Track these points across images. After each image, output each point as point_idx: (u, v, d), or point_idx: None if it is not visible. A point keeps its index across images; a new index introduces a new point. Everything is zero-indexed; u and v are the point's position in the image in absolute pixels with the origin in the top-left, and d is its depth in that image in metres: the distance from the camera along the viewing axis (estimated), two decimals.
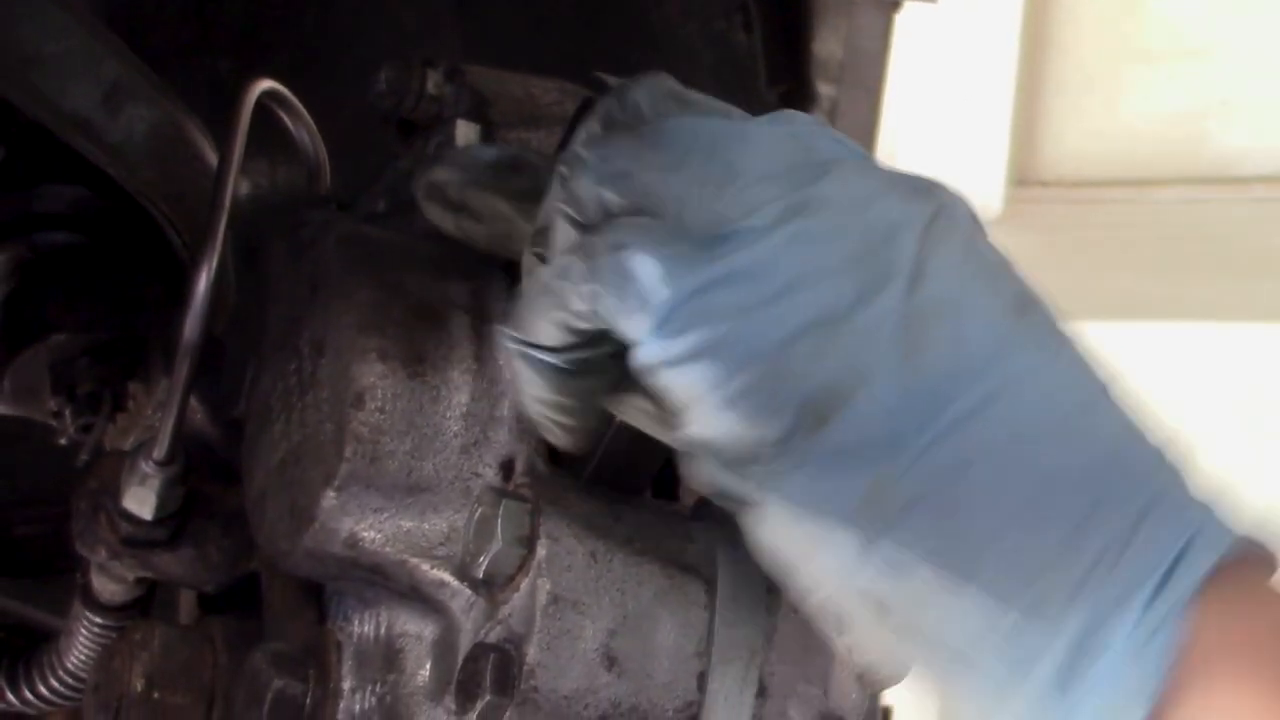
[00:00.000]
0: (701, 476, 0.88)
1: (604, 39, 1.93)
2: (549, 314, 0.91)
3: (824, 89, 1.94)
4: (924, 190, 0.88)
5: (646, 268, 0.86)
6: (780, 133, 0.91)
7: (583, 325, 0.90)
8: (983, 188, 4.37)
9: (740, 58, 1.97)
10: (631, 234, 0.87)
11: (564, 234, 0.92)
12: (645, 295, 0.85)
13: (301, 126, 1.24)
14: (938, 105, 4.32)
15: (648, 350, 0.86)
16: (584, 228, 0.91)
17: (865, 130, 1.98)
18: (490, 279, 1.04)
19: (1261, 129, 4.51)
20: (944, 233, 0.87)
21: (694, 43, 1.96)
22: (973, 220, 0.89)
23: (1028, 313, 0.87)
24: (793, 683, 0.97)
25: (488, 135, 1.12)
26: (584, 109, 0.98)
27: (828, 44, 1.93)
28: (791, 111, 0.95)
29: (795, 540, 0.85)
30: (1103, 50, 4.63)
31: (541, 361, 0.93)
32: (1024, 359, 0.85)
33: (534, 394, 0.95)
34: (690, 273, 0.85)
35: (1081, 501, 0.81)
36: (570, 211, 0.92)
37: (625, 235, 0.87)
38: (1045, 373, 0.85)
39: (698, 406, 0.85)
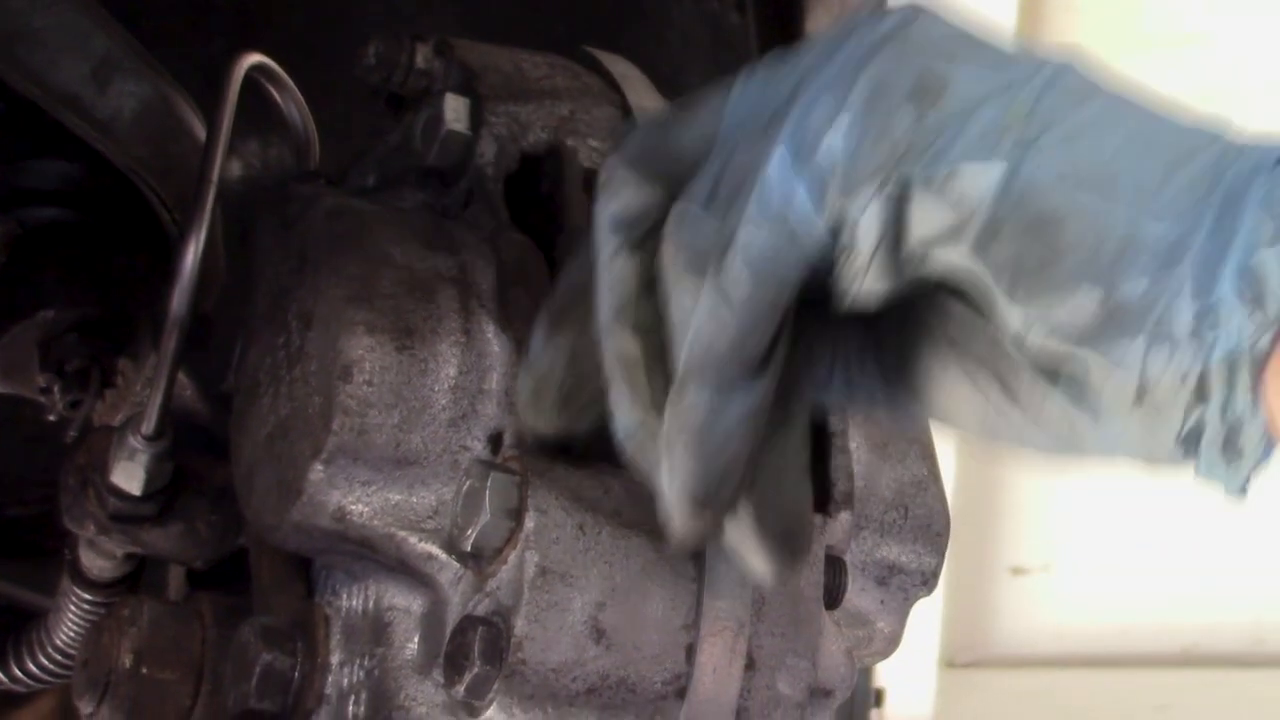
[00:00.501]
0: None
1: (597, 19, 1.92)
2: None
3: None
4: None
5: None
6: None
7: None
8: None
9: (733, 38, 1.97)
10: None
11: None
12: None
13: (290, 101, 1.23)
14: None
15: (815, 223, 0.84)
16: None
17: None
18: (478, 252, 1.04)
19: (1261, 116, 4.52)
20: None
21: (687, 23, 1.96)
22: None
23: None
24: (781, 655, 0.97)
25: (476, 109, 1.11)
26: None
27: (821, 24, 1.92)
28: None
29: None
30: (1101, 37, 4.62)
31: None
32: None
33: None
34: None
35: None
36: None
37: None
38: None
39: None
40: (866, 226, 0.82)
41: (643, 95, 1.17)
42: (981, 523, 4.23)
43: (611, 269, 0.88)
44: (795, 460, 0.91)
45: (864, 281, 0.84)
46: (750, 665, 0.96)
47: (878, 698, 2.66)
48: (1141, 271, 0.79)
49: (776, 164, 0.82)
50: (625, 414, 0.89)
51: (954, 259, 0.82)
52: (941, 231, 0.81)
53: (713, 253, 0.84)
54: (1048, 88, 0.83)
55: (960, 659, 5.01)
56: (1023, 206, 0.80)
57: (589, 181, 1.13)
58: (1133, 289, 0.79)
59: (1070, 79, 0.85)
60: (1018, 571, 4.54)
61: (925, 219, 0.81)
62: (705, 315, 0.84)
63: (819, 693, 1.01)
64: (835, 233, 0.82)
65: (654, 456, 0.88)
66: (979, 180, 0.80)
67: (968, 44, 0.86)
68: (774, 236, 0.82)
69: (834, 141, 0.81)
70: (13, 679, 1.38)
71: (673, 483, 0.87)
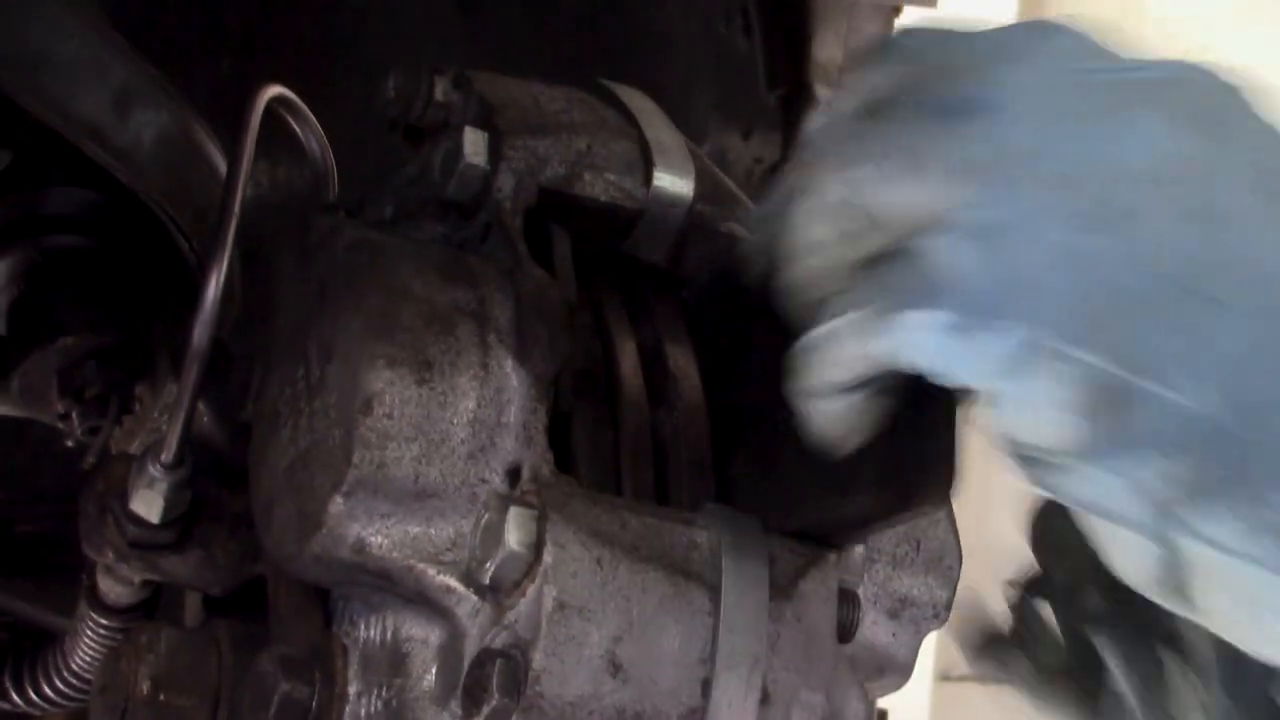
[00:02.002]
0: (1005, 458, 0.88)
1: (605, 41, 1.93)
2: (847, 361, 0.89)
3: (824, 92, 1.94)
4: (1192, 111, 0.86)
5: (933, 315, 0.83)
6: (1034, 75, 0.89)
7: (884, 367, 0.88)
8: None
9: (740, 61, 1.97)
10: (913, 286, 0.85)
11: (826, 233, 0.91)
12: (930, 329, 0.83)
13: (310, 132, 1.24)
14: None
15: (945, 354, 0.84)
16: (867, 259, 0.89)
17: None
18: (496, 285, 1.05)
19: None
20: (1222, 157, 0.85)
21: (694, 45, 1.97)
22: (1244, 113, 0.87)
23: None
24: (795, 689, 0.98)
25: (494, 143, 1.12)
26: None
27: (828, 47, 1.93)
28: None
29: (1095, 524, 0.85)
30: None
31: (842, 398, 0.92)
32: None
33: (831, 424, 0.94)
34: (980, 290, 0.83)
35: None
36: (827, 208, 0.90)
37: (910, 287, 0.85)
38: None
39: (998, 406, 0.83)
40: None
41: (659, 129, 1.17)
42: (976, 537, 4.24)
43: None
44: None
45: None
46: (765, 699, 0.97)
47: (881, 719, 2.66)
48: None
49: None
50: None
51: None
52: None
53: None
54: None
55: (955, 673, 5.01)
56: None
57: (599, 215, 1.14)
58: None
59: None
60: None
61: None
62: None
63: None
64: None
65: None
66: None
67: None
68: None
69: None
70: (27, 702, 1.38)
71: None
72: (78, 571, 1.34)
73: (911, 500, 0.94)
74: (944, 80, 0.90)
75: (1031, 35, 0.91)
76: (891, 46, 0.95)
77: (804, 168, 0.93)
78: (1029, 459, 0.84)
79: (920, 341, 0.84)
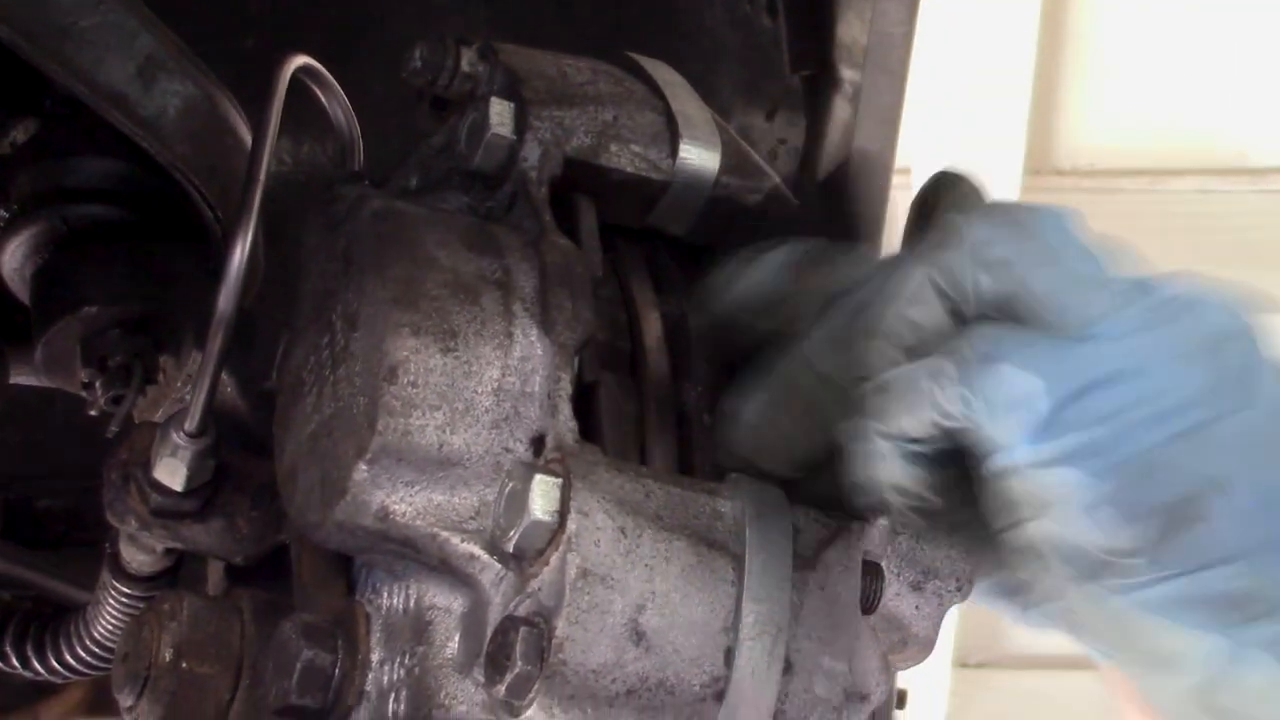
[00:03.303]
0: (1041, 582, 0.91)
1: (628, 22, 1.93)
2: (917, 411, 0.93)
3: (848, 74, 1.93)
4: (1245, 301, 0.92)
5: (1022, 381, 0.88)
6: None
7: (951, 424, 0.92)
8: (999, 176, 4.37)
9: (764, 42, 1.97)
10: (1006, 345, 0.89)
11: (933, 310, 0.94)
12: (1021, 404, 0.88)
13: (335, 102, 1.24)
14: (955, 94, 4.31)
15: (1019, 454, 0.88)
16: (954, 314, 0.93)
17: (889, 115, 1.98)
18: (521, 255, 1.05)
19: (1278, 120, 4.51)
20: (1263, 337, 0.90)
21: (718, 27, 1.96)
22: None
23: None
24: (818, 659, 0.98)
25: (520, 113, 1.12)
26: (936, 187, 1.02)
27: (852, 28, 1.92)
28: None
29: (1135, 651, 0.87)
30: (1119, 41, 4.61)
31: (907, 451, 0.95)
32: None
33: (891, 481, 0.97)
34: (1066, 380, 0.87)
35: None
36: (942, 284, 0.94)
37: (999, 347, 0.90)
38: None
39: (1061, 508, 0.87)
40: None
41: (685, 102, 1.17)
42: None
43: None
44: None
45: None
46: (788, 669, 0.97)
47: (900, 699, 2.65)
48: None
49: None
50: None
51: None
52: None
53: None
54: None
55: (973, 659, 5.01)
56: None
57: (625, 187, 1.14)
58: None
59: None
60: None
61: None
62: None
63: (855, 696, 1.01)
64: None
65: None
66: None
67: None
68: None
69: None
70: (49, 670, 1.39)
71: None
72: (97, 546, 1.34)
73: None
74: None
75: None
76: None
77: None
78: (1080, 560, 0.86)
79: (1005, 401, 0.88)
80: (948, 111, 4.29)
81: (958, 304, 0.93)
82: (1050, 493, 0.87)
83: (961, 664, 5.08)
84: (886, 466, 0.96)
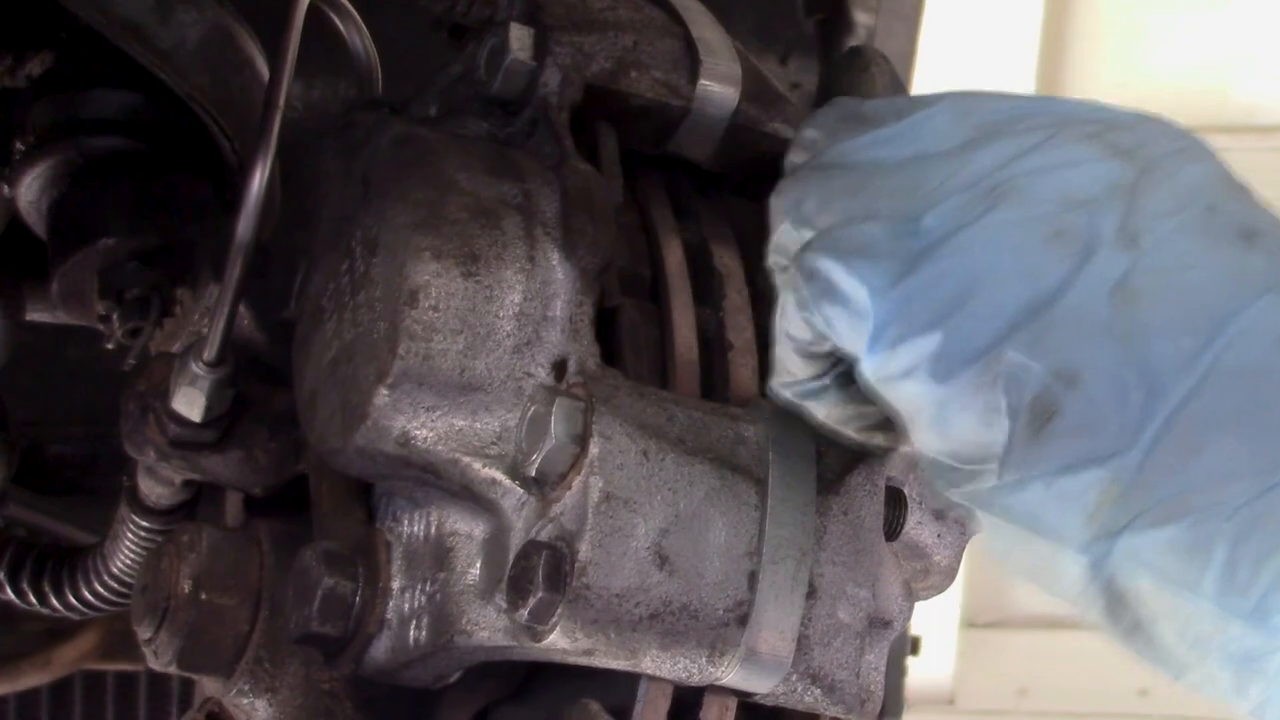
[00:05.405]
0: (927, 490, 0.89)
1: None
2: (789, 355, 0.93)
3: (862, 18, 1.93)
4: (1123, 149, 0.86)
5: (846, 280, 0.86)
6: (950, 115, 0.91)
7: (820, 349, 0.91)
8: None
9: None
10: (823, 255, 0.87)
11: (779, 279, 0.94)
12: (853, 307, 0.85)
13: (354, 29, 1.23)
14: (962, 55, 4.30)
15: (868, 366, 0.86)
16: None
17: (903, 60, 1.98)
18: (543, 180, 1.04)
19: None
20: (1152, 185, 0.85)
21: None
22: (1183, 157, 0.87)
23: (1255, 242, 0.83)
24: (842, 584, 0.97)
25: (540, 39, 1.11)
26: None
27: None
28: (955, 93, 0.94)
29: (1023, 553, 0.82)
30: (1125, 2, 4.61)
31: (811, 391, 0.95)
32: (1252, 300, 0.81)
33: (827, 418, 0.96)
34: (892, 283, 0.84)
35: None
36: (781, 260, 0.94)
37: (818, 258, 0.88)
38: (1271, 316, 0.80)
39: (920, 419, 0.84)
40: None
41: (705, 28, 1.16)
42: None
43: None
44: None
45: None
46: (812, 593, 0.96)
47: (914, 646, 2.65)
48: None
49: None
50: None
51: None
52: None
53: None
54: None
55: (980, 619, 5.02)
56: None
57: (645, 113, 1.13)
58: None
59: None
60: None
61: None
62: None
63: (878, 623, 1.01)
64: None
65: None
66: None
67: None
68: None
69: None
70: (67, 607, 1.39)
71: None
72: (108, 492, 1.34)
73: None
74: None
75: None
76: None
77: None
78: (949, 471, 0.83)
79: (844, 318, 0.86)
80: (952, 78, 4.28)
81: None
82: (899, 405, 0.85)
83: (969, 624, 5.08)
84: (785, 363, 0.95)
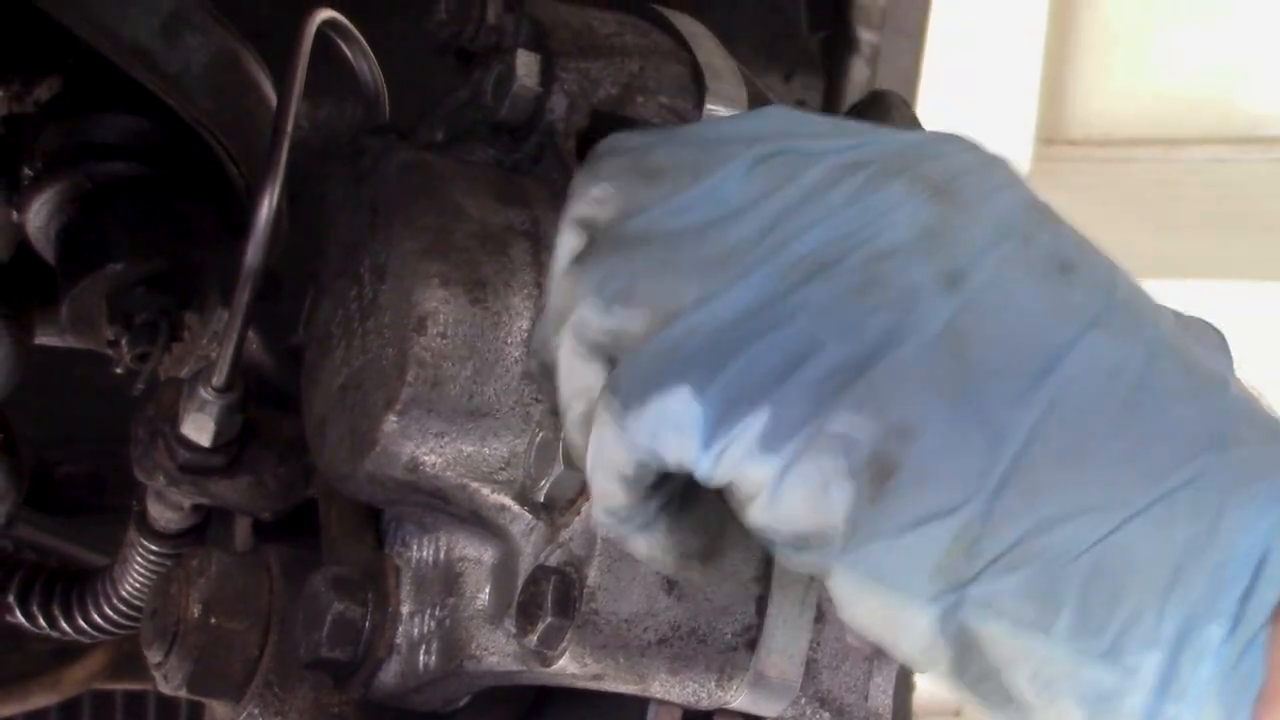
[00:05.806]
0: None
1: None
2: (609, 481, 0.84)
3: (866, 35, 1.93)
4: (934, 182, 0.83)
5: (671, 400, 0.79)
6: (745, 167, 0.85)
7: (647, 477, 0.84)
8: (1011, 146, 4.36)
9: (782, 3, 1.97)
10: (639, 382, 0.81)
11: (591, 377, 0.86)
12: (680, 420, 0.79)
13: (361, 56, 1.24)
14: (967, 64, 4.31)
15: (700, 470, 0.80)
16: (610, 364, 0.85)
17: (907, 76, 1.98)
18: (550, 206, 1.05)
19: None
20: (968, 220, 0.82)
21: None
22: (993, 184, 0.84)
23: (1071, 275, 0.82)
24: None
25: (547, 65, 1.12)
26: None
27: None
28: (764, 111, 0.89)
29: (873, 611, 0.79)
30: (1131, 9, 4.61)
31: (637, 521, 0.86)
32: (1078, 336, 0.79)
33: (657, 554, 0.88)
34: (712, 377, 0.79)
35: (1155, 508, 0.76)
36: (580, 348, 0.85)
37: (635, 387, 0.81)
38: (1099, 350, 0.79)
39: (758, 501, 0.79)
40: None
41: (711, 53, 1.17)
42: None
43: None
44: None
45: None
46: (820, 617, 0.97)
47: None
48: None
49: None
50: None
51: None
52: None
53: None
54: None
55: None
56: None
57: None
58: None
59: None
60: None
61: None
62: None
63: None
64: None
65: None
66: None
67: None
68: None
69: None
70: (77, 630, 1.39)
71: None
72: (116, 512, 1.34)
73: None
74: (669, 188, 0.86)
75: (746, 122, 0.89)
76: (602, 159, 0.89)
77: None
78: (798, 548, 0.80)
79: (671, 434, 0.80)
80: (958, 82, 4.29)
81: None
82: (739, 493, 0.80)
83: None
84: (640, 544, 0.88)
